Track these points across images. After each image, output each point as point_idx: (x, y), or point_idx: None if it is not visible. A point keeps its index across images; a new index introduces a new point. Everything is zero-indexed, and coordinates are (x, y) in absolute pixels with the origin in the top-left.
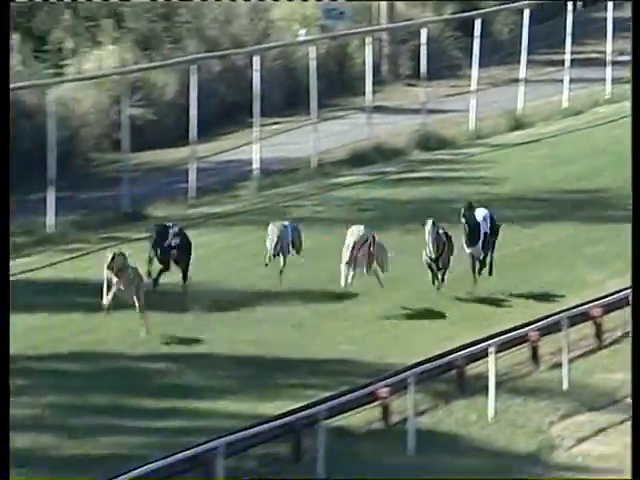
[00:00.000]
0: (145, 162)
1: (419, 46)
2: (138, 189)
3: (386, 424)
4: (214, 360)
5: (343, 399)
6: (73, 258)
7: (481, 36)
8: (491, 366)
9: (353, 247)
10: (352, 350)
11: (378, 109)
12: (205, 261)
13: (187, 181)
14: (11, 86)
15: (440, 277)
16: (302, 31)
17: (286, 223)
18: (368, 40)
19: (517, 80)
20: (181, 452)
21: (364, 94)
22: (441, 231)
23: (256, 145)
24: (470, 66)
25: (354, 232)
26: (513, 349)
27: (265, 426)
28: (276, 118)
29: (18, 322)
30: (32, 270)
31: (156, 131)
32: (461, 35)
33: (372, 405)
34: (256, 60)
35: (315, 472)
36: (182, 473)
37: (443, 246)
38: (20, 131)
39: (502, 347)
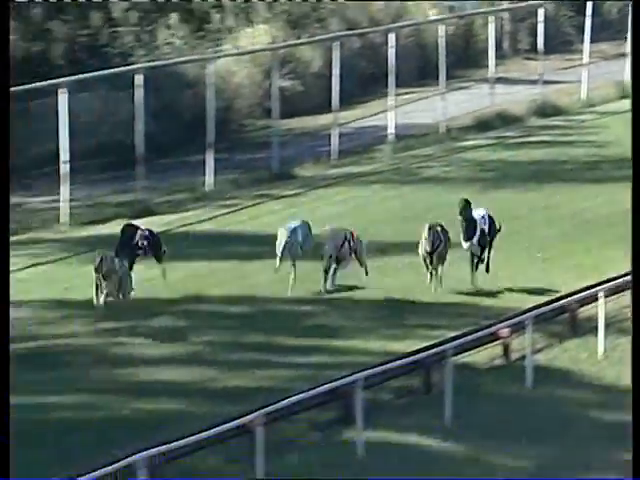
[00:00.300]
0: (293, 128)
1: (536, 24)
2: (286, 152)
3: (507, 361)
4: (353, 303)
5: (468, 338)
6: (230, 212)
7: (592, 15)
8: (601, 309)
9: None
10: (475, 294)
11: (499, 80)
12: (343, 216)
13: (330, 144)
14: (173, 60)
15: (435, 273)
16: (432, 11)
17: (294, 225)
18: (491, 19)
19: (624, 54)
20: (323, 385)
21: (487, 67)
22: (439, 229)
23: (391, 113)
24: (582, 42)
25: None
26: (620, 294)
27: (399, 362)
28: (408, 89)
29: (180, 269)
30: (192, 223)
31: (302, 100)
32: (574, 14)
33: (494, 344)
34: (391, 37)
35: (443, 402)
36: (323, 404)
37: (439, 243)
38: (183, 101)
39: (610, 292)
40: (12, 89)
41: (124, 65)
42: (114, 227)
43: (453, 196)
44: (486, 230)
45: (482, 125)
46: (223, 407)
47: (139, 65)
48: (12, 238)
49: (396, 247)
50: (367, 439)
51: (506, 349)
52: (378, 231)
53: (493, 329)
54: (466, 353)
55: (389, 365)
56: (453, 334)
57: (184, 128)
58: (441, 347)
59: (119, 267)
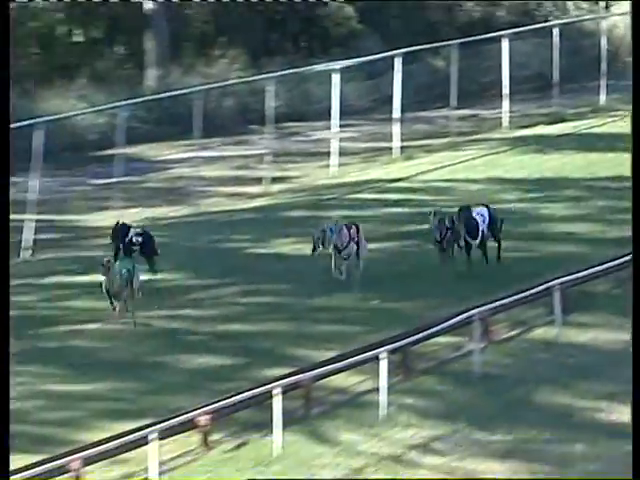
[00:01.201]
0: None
1: None
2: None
3: None
4: None
5: None
6: (614, 121)
7: None
8: None
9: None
10: None
11: None
12: None
13: None
14: (579, 18)
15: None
16: None
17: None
18: None
19: None
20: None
21: None
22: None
23: None
24: None
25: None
26: None
27: None
28: None
29: (567, 157)
30: (592, 127)
31: None
32: None
33: None
34: None
35: None
36: (596, 279)
37: (446, 232)
38: (584, 46)
39: None
40: (464, 40)
41: (544, 22)
42: (539, 130)
43: None
44: (486, 230)
45: None
46: (610, 250)
47: (555, 22)
48: (468, 138)
49: None
50: None
51: None
52: None
53: None
54: None
55: None
56: None
57: (584, 64)
58: None
59: None
